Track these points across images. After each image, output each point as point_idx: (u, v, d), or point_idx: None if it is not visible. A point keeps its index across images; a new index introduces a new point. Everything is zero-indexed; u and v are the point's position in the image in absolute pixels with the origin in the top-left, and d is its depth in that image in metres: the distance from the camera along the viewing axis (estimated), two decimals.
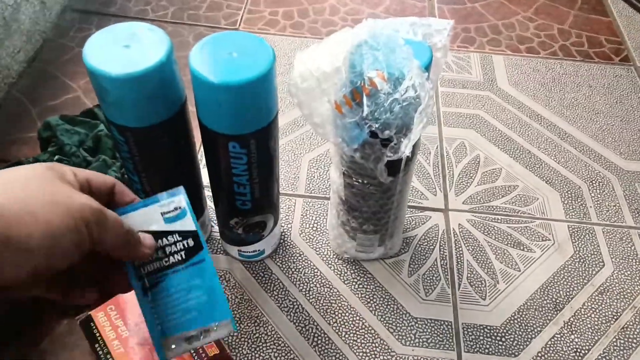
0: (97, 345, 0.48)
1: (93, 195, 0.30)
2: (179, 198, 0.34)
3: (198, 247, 0.34)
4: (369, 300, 0.58)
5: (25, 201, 0.25)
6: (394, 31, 0.40)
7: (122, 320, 0.49)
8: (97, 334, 0.49)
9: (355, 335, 0.55)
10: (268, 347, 0.53)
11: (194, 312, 0.34)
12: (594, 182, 0.70)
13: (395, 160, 0.43)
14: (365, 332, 0.55)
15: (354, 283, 0.59)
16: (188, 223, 0.34)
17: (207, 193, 0.59)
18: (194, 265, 0.34)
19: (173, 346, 0.33)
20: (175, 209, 0.34)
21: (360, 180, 0.50)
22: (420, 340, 0.55)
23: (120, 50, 0.41)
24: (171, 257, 0.34)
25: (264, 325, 0.55)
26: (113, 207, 0.32)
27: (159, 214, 0.34)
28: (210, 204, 0.61)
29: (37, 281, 0.30)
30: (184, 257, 0.34)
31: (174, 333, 0.33)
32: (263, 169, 0.48)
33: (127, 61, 0.40)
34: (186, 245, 0.34)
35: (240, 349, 0.53)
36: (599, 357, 0.54)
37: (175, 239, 0.34)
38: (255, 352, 0.53)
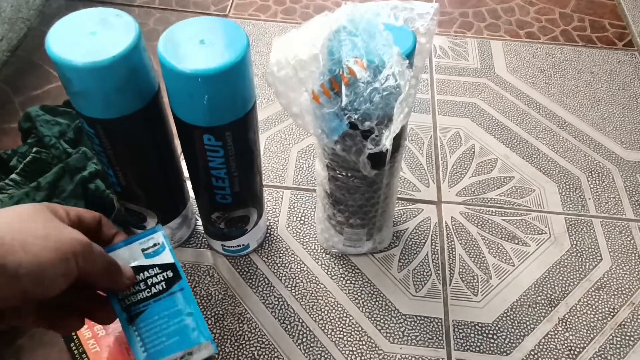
0: (72, 344, 0.47)
1: (82, 229, 0.33)
2: (157, 235, 0.38)
3: (177, 277, 0.38)
4: (356, 296, 0.56)
5: (19, 234, 0.29)
6: (374, 15, 0.38)
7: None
8: (73, 333, 0.47)
9: (342, 332, 0.53)
10: (252, 345, 0.52)
11: (176, 336, 0.36)
12: (593, 172, 0.68)
13: (378, 153, 0.41)
14: (352, 329, 0.53)
15: (341, 279, 0.57)
16: (166, 257, 0.38)
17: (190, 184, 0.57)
18: (174, 293, 0.37)
19: None
20: (155, 244, 0.38)
21: (344, 173, 0.47)
22: (409, 338, 0.53)
23: (86, 37, 0.39)
24: (153, 288, 0.37)
25: (248, 323, 0.53)
26: (99, 239, 0.36)
27: (140, 251, 0.38)
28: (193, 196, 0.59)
29: (28, 309, 0.33)
30: (164, 287, 0.37)
31: (159, 357, 0.36)
32: (242, 162, 0.46)
33: (92, 49, 0.38)
34: (166, 277, 0.38)
35: (223, 346, 0.52)
36: (595, 355, 0.52)
37: (156, 272, 0.37)
38: (239, 350, 0.52)
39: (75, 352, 0.46)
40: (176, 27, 0.40)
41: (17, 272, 0.27)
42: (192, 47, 0.38)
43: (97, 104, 0.40)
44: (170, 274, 0.38)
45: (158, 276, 0.38)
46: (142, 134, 0.44)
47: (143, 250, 0.38)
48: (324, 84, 0.38)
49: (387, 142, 0.37)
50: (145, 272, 0.37)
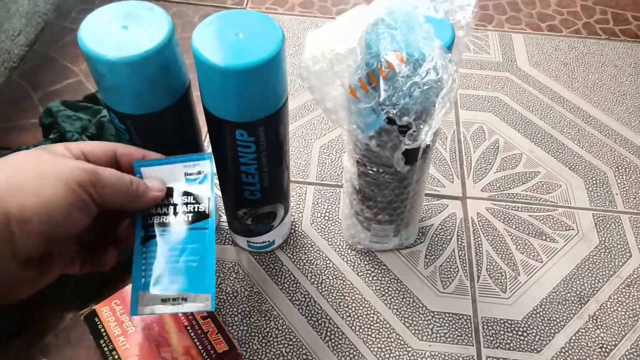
0: (102, 341, 0.46)
1: (92, 162, 0.31)
2: (205, 163, 0.36)
3: (206, 215, 0.36)
4: (383, 292, 0.55)
5: (14, 178, 0.27)
6: (413, 8, 0.37)
7: (127, 316, 0.47)
8: (102, 330, 0.47)
9: (370, 329, 0.53)
10: (279, 342, 0.51)
11: (180, 275, 0.34)
12: (620, 167, 0.67)
13: (413, 148, 0.41)
14: (380, 326, 0.53)
15: (367, 275, 0.56)
16: (205, 189, 0.36)
17: (216, 181, 0.56)
18: (197, 230, 0.35)
19: (147, 304, 0.34)
20: (199, 172, 0.36)
21: (375, 169, 0.47)
22: (438, 335, 0.52)
23: (118, 31, 0.38)
24: (179, 216, 0.35)
25: (275, 320, 0.53)
26: (125, 170, 0.34)
27: (182, 173, 0.36)
28: (218, 192, 0.59)
29: (66, 252, 0.32)
30: (190, 219, 0.35)
31: (154, 289, 0.34)
32: (272, 157, 0.45)
33: (125, 43, 0.37)
34: (196, 209, 0.36)
35: (250, 344, 0.51)
36: (627, 352, 0.52)
37: (189, 200, 0.35)
38: (266, 347, 0.51)
39: (105, 349, 0.46)
40: (211, 20, 0.39)
41: (23, 216, 0.26)
42: (228, 41, 0.38)
43: (129, 100, 0.40)
44: (202, 207, 0.35)
45: (189, 206, 0.35)
46: (172, 130, 0.44)
47: (186, 174, 0.36)
48: (361, 78, 0.38)
49: (427, 138, 0.37)
50: (179, 197, 0.35)
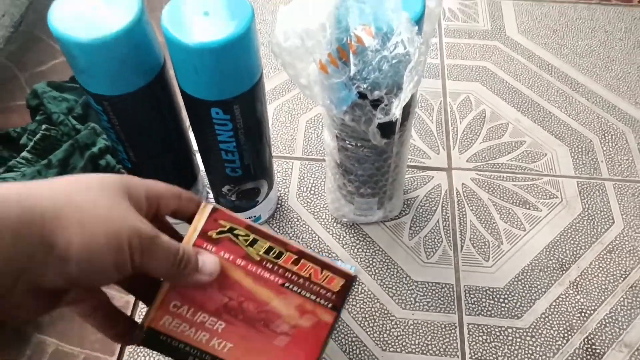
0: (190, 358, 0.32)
1: (160, 211, 0.30)
2: None
3: None
4: (368, 264, 0.56)
5: (77, 212, 0.25)
6: None
7: (202, 311, 0.32)
8: (179, 344, 0.31)
9: (355, 300, 0.54)
10: None
11: None
12: (606, 134, 0.67)
13: (388, 122, 0.41)
14: (365, 296, 0.54)
15: (353, 247, 0.58)
16: None
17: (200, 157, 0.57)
18: None
19: None
20: None
21: (353, 143, 0.47)
22: (421, 304, 0.54)
23: (89, 12, 0.38)
24: None
25: None
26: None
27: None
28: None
29: (82, 295, 0.29)
30: None
31: None
32: (251, 134, 0.46)
33: (96, 24, 0.37)
34: None
35: None
36: (605, 316, 0.53)
37: None
38: None
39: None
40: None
41: (66, 254, 0.24)
42: (197, 19, 0.38)
43: (103, 81, 0.40)
44: None
45: None
46: (150, 109, 0.44)
47: None
48: (331, 53, 0.38)
49: (397, 111, 0.37)
50: None
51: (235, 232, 0.31)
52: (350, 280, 0.32)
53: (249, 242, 0.31)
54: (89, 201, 0.25)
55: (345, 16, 0.37)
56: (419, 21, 0.38)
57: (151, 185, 0.29)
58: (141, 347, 0.31)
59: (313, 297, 0.32)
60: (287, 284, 0.32)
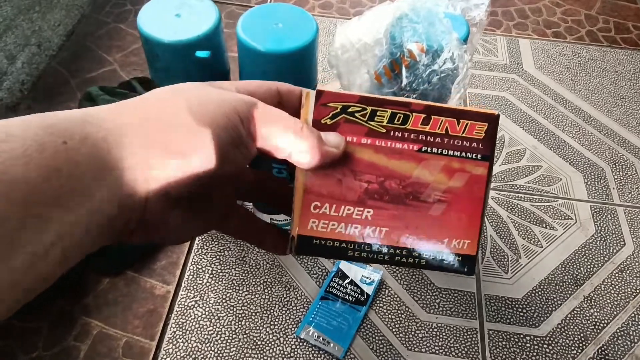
0: (349, 248, 0.28)
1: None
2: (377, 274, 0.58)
3: (362, 303, 0.56)
4: (395, 270, 0.60)
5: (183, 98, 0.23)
6: (434, 5, 0.42)
7: (344, 204, 0.28)
8: (332, 243, 0.28)
9: (382, 302, 0.57)
10: (298, 310, 0.56)
11: (332, 328, 0.54)
12: (617, 164, 0.71)
13: None
14: (392, 299, 0.57)
15: None
16: (370, 289, 0.61)
17: None
18: (353, 309, 0.56)
19: (307, 333, 0.53)
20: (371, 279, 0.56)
21: None
22: (444, 309, 0.57)
23: (172, 18, 0.43)
24: (346, 295, 0.58)
25: (294, 290, 0.58)
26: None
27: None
28: None
29: (215, 196, 0.27)
30: (351, 300, 0.58)
31: (313, 329, 0.51)
32: None
33: (178, 29, 0.42)
34: (358, 297, 0.57)
35: (272, 310, 0.56)
36: (617, 330, 0.56)
37: (356, 290, 0.59)
38: (286, 314, 0.56)
39: (357, 255, 0.29)
40: (253, 11, 0.44)
41: (180, 149, 0.21)
42: (269, 30, 0.43)
43: (178, 80, 0.44)
44: (362, 298, 0.56)
45: (355, 293, 0.55)
46: None
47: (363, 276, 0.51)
48: (385, 65, 0.43)
49: None
50: (349, 285, 0.52)
51: (350, 109, 0.27)
52: (494, 122, 0.28)
53: (367, 115, 0.27)
54: (186, 93, 0.23)
55: (400, 34, 0.42)
56: (464, 42, 0.43)
57: (240, 86, 0.25)
58: (296, 256, 0.29)
59: (457, 153, 0.28)
60: (424, 148, 0.28)
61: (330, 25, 0.88)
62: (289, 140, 0.24)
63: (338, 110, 0.27)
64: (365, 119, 0.27)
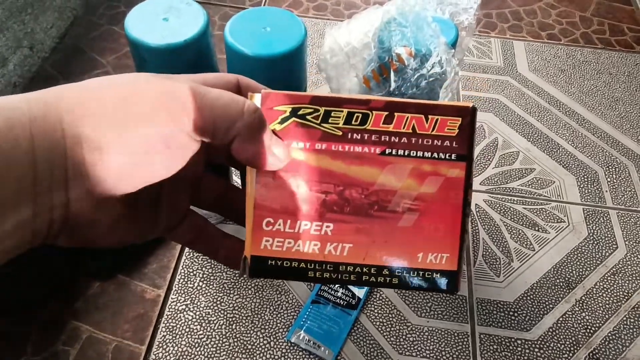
0: (310, 273, 0.25)
1: None
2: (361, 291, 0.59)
3: (353, 307, 0.57)
4: None
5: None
6: (422, 9, 0.42)
7: (300, 219, 0.25)
8: (290, 263, 0.25)
9: (373, 305, 0.57)
10: (289, 314, 0.56)
11: (323, 332, 0.54)
12: (610, 167, 0.71)
13: None
14: (382, 303, 0.57)
15: None
16: (360, 292, 0.60)
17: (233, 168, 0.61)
18: (344, 312, 0.57)
19: (298, 335, 0.53)
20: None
21: None
22: (436, 312, 0.57)
23: (160, 22, 0.43)
24: (337, 300, 0.58)
25: (285, 294, 0.57)
26: None
27: None
28: (237, 179, 0.63)
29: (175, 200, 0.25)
30: (343, 304, 0.58)
31: (304, 332, 0.54)
32: None
33: (166, 33, 0.42)
34: (349, 301, 0.58)
35: (262, 314, 0.56)
36: (609, 334, 0.56)
37: (347, 293, 0.60)
38: (277, 318, 0.56)
39: (322, 275, 0.26)
40: (241, 15, 0.44)
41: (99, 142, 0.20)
42: (257, 33, 0.42)
43: None
44: (353, 302, 0.57)
45: (346, 297, 0.57)
46: None
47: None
48: (374, 69, 0.42)
49: None
50: (340, 290, 0.57)
51: (300, 112, 0.24)
52: (469, 116, 0.24)
53: (321, 117, 0.24)
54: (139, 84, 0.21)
55: (388, 38, 0.42)
56: (453, 46, 0.43)
57: (198, 79, 0.24)
58: (252, 279, 0.27)
59: (427, 154, 0.25)
60: (388, 151, 0.25)
61: (324, 28, 0.88)
62: (223, 121, 0.21)
63: (287, 113, 0.24)
64: (318, 122, 0.24)
